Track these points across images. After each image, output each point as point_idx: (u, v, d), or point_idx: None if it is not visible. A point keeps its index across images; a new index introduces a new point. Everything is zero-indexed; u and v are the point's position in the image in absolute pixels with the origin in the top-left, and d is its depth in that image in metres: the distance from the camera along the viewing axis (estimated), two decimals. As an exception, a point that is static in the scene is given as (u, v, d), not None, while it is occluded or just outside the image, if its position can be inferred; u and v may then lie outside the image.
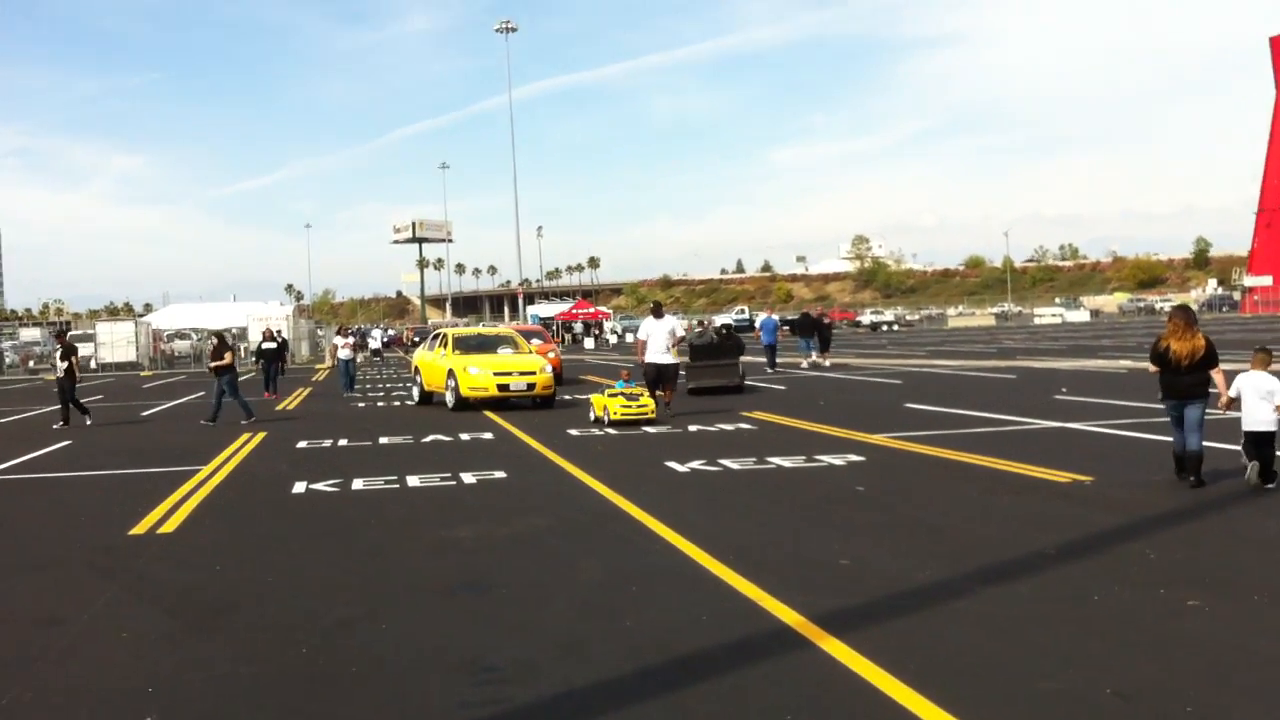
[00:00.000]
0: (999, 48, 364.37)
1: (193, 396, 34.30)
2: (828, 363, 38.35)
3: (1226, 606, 7.08)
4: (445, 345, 26.70)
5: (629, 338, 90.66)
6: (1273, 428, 11.46)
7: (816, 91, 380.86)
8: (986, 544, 9.18)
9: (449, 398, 24.98)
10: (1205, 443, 11.94)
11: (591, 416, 20.60)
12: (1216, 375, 11.93)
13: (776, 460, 14.51)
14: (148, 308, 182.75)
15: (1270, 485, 11.38)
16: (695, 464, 14.44)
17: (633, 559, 9.12)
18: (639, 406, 19.90)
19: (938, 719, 5.25)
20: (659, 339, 21.14)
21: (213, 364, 24.14)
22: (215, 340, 25.01)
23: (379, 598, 8.10)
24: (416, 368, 28.27)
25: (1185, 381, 11.91)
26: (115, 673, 6.53)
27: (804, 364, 38.06)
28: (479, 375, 24.34)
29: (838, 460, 14.41)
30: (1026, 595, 7.51)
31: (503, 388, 24.22)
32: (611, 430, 19.19)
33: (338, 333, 40.25)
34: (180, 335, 73.10)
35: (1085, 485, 11.92)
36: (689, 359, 27.43)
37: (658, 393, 20.87)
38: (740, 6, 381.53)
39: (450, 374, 24.98)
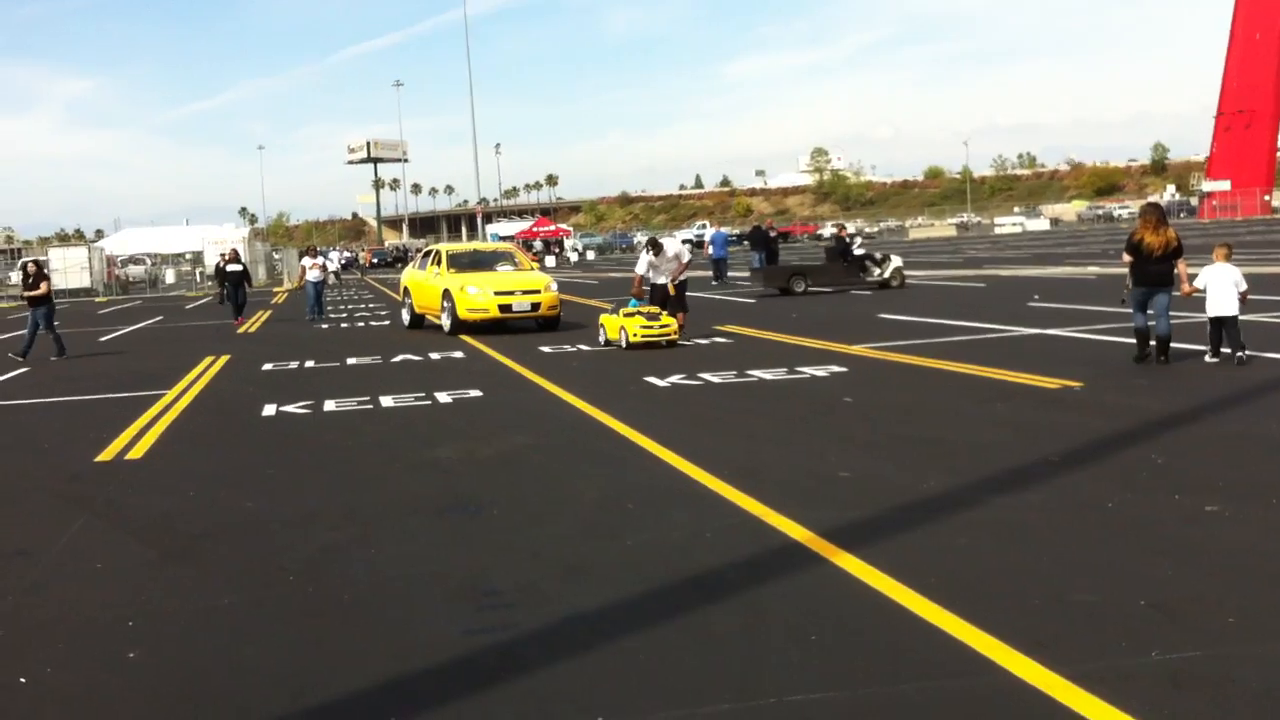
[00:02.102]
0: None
1: (150, 321, 33.67)
2: None
3: (1245, 511, 6.85)
4: (439, 263, 24.31)
5: (590, 255, 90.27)
6: (1236, 311, 12.91)
7: (770, 2, 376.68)
8: (987, 452, 8.94)
9: (445, 320, 23.04)
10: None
11: (602, 339, 18.68)
12: (1180, 265, 13.32)
13: (758, 373, 14.21)
14: (99, 234, 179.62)
15: (1241, 354, 12.79)
16: (675, 378, 14.12)
17: (625, 476, 8.82)
18: (661, 327, 17.87)
19: (975, 638, 4.97)
20: (667, 270, 19.17)
21: (26, 294, 21.83)
22: (32, 268, 22.56)
23: (365, 522, 7.76)
24: (406, 289, 25.97)
25: (1156, 270, 13.18)
26: (91, 605, 6.17)
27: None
28: (478, 295, 22.29)
29: (820, 372, 14.13)
30: (1039, 504, 7.25)
31: (505, 308, 22.22)
32: (584, 347, 18.83)
33: (305, 253, 37.56)
34: (135, 260, 72.03)
35: (1076, 391, 11.71)
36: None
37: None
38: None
39: (446, 295, 22.95)
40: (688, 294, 19.84)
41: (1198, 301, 13.60)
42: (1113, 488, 7.54)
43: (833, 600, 5.63)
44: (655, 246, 19.49)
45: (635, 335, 17.77)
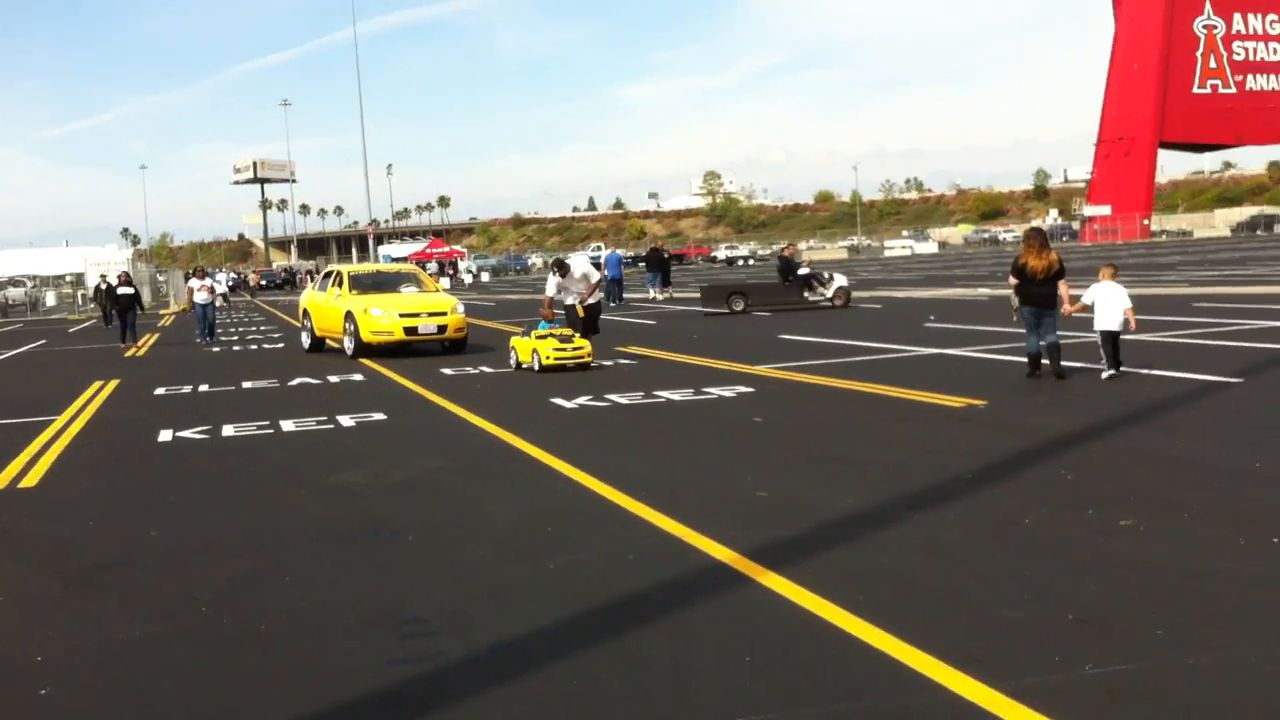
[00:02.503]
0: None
1: (33, 345, 32.65)
2: (662, 296, 40.42)
3: (1158, 525, 6.97)
4: (340, 284, 23.46)
5: (484, 277, 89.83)
6: (1119, 327, 13.55)
7: (664, 27, 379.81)
8: (900, 470, 9.00)
9: (347, 344, 22.08)
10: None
11: (513, 362, 18.20)
12: (1063, 287, 13.84)
13: (665, 394, 14.19)
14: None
15: (1120, 368, 13.56)
16: (582, 400, 14.04)
17: (540, 499, 8.71)
18: (574, 349, 17.48)
19: (910, 655, 4.97)
20: (576, 291, 18.98)
21: None
22: None
23: (275, 549, 7.55)
24: (305, 311, 25.12)
25: (1041, 291, 13.77)
26: (-7, 641, 5.91)
27: (659, 295, 40.40)
28: (382, 318, 21.43)
29: (727, 392, 14.16)
30: (957, 521, 7.31)
31: (410, 330, 21.39)
32: (486, 369, 18.66)
33: (192, 274, 35.14)
34: (14, 283, 69.94)
35: (980, 409, 11.87)
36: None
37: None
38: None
39: (349, 317, 21.99)
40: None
41: (1082, 321, 14.12)
42: (1027, 504, 7.63)
43: (763, 620, 5.60)
44: (561, 268, 19.24)
45: (548, 358, 17.34)
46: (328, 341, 24.00)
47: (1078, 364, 14.32)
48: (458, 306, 22.39)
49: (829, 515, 7.63)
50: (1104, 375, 13.55)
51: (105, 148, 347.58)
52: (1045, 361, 13.81)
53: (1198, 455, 9.19)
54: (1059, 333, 13.86)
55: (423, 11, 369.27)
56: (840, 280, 30.72)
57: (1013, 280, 14.14)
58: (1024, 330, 14.12)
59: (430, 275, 31.14)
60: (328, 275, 25.53)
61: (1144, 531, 6.86)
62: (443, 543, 7.47)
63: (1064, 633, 5.20)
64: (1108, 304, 13.58)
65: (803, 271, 30.88)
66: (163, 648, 5.66)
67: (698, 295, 38.63)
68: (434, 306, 22.10)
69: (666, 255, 44.56)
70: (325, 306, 23.78)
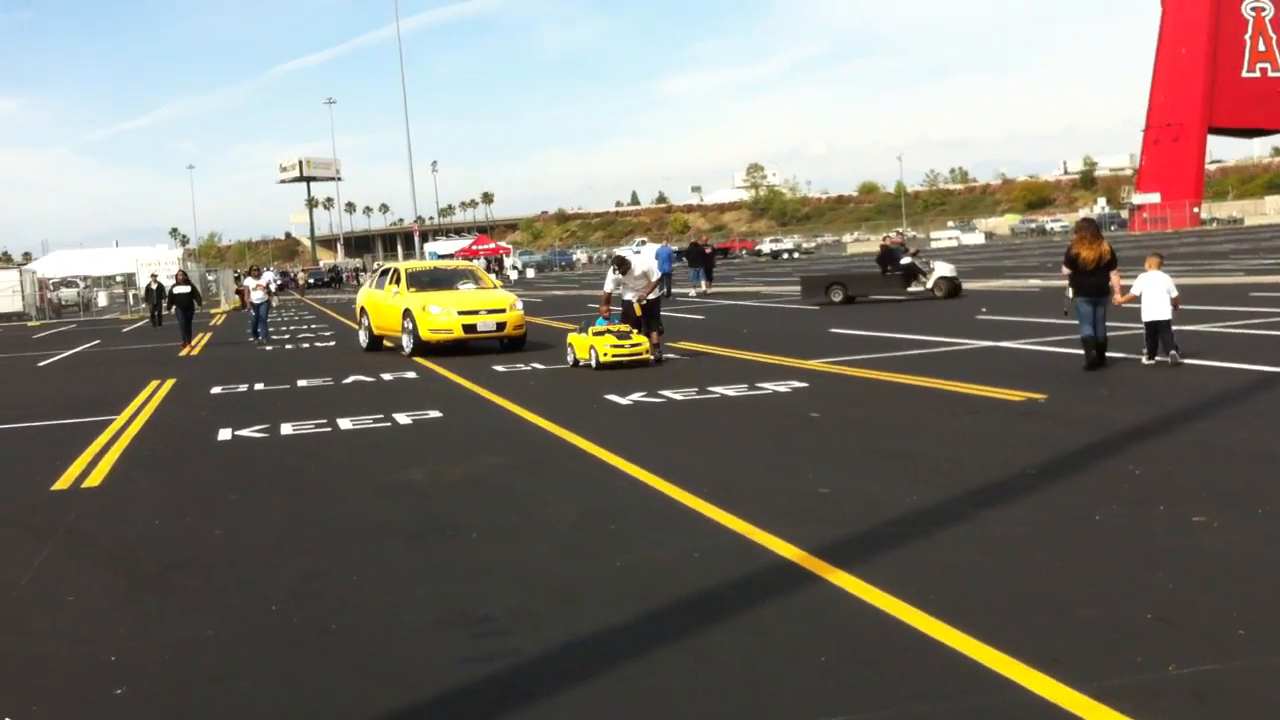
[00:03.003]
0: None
1: (88, 345, 33.03)
2: (703, 289, 40.31)
3: (1233, 521, 6.87)
4: (397, 282, 23.18)
5: (529, 273, 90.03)
6: (1169, 316, 13.80)
7: (703, 19, 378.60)
8: (963, 466, 8.91)
9: (405, 342, 21.90)
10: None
11: (570, 359, 18.01)
12: (1114, 277, 14.05)
13: (719, 390, 14.15)
14: (26, 256, 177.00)
15: (1174, 352, 13.77)
16: (636, 396, 14.02)
17: (601, 496, 8.70)
18: (632, 346, 17.31)
19: (988, 655, 4.91)
20: (634, 288, 18.33)
21: None
22: None
23: (341, 548, 7.59)
24: (362, 309, 24.87)
25: (1093, 281, 14.02)
26: (69, 640, 5.96)
27: (693, 292, 39.96)
28: (441, 315, 21.22)
29: (782, 387, 14.09)
30: (1025, 517, 7.23)
31: (469, 329, 21.18)
32: (539, 366, 18.69)
33: (248, 273, 35.27)
34: (67, 283, 70.82)
35: (1040, 403, 11.75)
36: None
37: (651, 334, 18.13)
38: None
39: (407, 315, 21.80)
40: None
41: (1130, 312, 14.17)
42: (1096, 500, 7.54)
43: (835, 620, 5.56)
44: (621, 264, 19.00)
45: (606, 355, 17.24)
46: (386, 340, 23.78)
47: (1121, 354, 14.18)
48: (516, 303, 22.14)
49: (894, 512, 7.57)
50: (1144, 362, 13.98)
51: (153, 148, 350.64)
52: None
53: (1268, 448, 9.06)
54: (1107, 323, 14.14)
55: (464, 7, 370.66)
56: (943, 269, 29.40)
57: (1066, 270, 14.39)
58: (1077, 321, 14.21)
59: (478, 272, 30.69)
60: (385, 273, 25.22)
61: (1217, 528, 6.75)
62: (506, 541, 7.48)
63: (1143, 632, 5.12)
64: (1154, 294, 13.86)
65: (905, 261, 29.67)
66: (235, 647, 5.69)
67: (741, 289, 38.65)
68: (493, 304, 21.90)
69: (709, 250, 44.54)
70: (383, 304, 23.56)
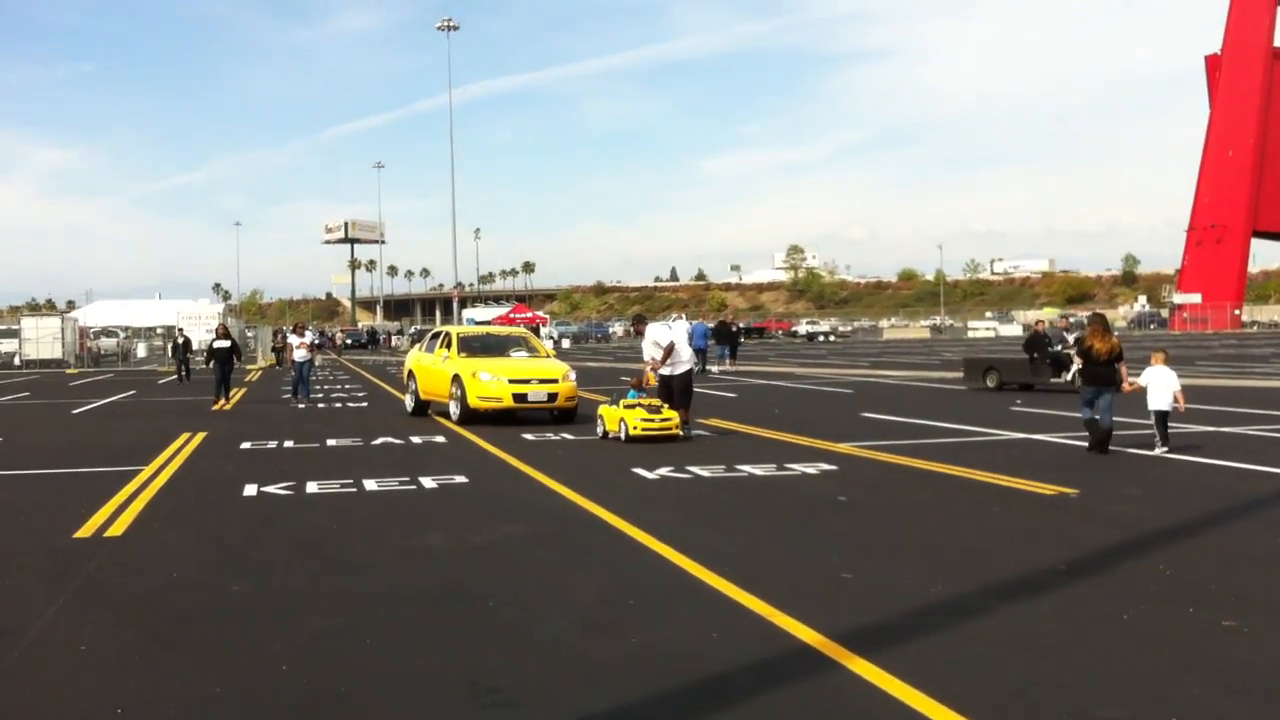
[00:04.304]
0: (930, 64, 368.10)
1: (122, 395, 33.26)
2: (725, 368, 40.60)
3: (1262, 626, 6.72)
4: (448, 346, 22.61)
5: (565, 343, 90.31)
6: (1169, 407, 15.04)
7: (751, 101, 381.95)
8: (991, 558, 8.78)
9: (453, 408, 21.26)
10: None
11: (600, 431, 18.00)
12: (1121, 367, 15.41)
13: (747, 468, 14.06)
14: (71, 305, 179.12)
15: (1166, 446, 14.91)
16: (663, 470, 13.95)
17: (622, 570, 8.61)
18: (662, 421, 17.23)
19: (1006, 752, 4.80)
20: (680, 349, 18.29)
21: None
22: None
23: (357, 609, 7.52)
24: (411, 372, 24.22)
25: (1103, 372, 15.31)
26: (77, 690, 5.91)
27: (714, 369, 40.06)
28: (491, 383, 20.58)
29: (810, 469, 13.99)
30: (1051, 613, 7.10)
31: (519, 398, 20.51)
32: (568, 435, 18.65)
33: (293, 330, 33.92)
34: (107, 333, 71.52)
35: (1071, 498, 11.60)
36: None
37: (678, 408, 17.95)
38: (679, 14, 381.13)
39: (456, 380, 21.19)
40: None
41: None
42: (1125, 599, 7.39)
43: (856, 710, 5.44)
44: (637, 321, 19.10)
45: (636, 428, 17.13)
46: (434, 405, 23.30)
47: (1174, 454, 14.00)
48: (569, 374, 21.44)
49: (918, 601, 7.45)
50: (1157, 451, 14.91)
51: (202, 203, 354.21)
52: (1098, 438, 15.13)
53: (1302, 555, 8.88)
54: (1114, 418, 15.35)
55: (515, 80, 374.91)
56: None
57: (1078, 361, 16.46)
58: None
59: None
60: (435, 336, 24.75)
61: (1248, 633, 6.60)
62: (523, 611, 7.39)
63: (1169, 737, 4.99)
64: (1159, 386, 15.10)
65: (1056, 349, 27.94)
66: (243, 706, 5.62)
67: (776, 369, 38.57)
68: (545, 373, 21.24)
69: (735, 329, 45.28)
70: (432, 369, 22.97)
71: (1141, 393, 15.39)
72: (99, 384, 40.58)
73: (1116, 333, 29.13)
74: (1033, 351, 28.53)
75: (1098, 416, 15.18)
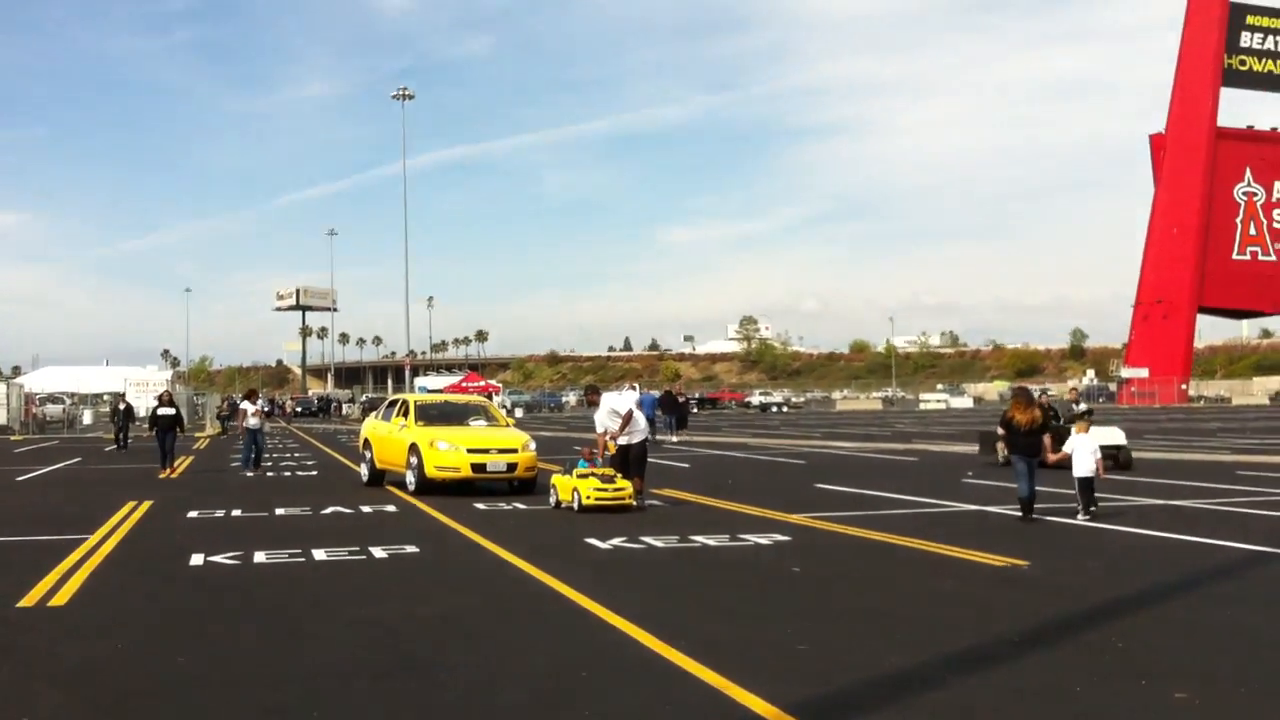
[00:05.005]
0: (882, 138, 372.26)
1: (69, 462, 32.80)
2: (675, 439, 40.48)
3: (1214, 699, 6.75)
4: (405, 414, 22.08)
5: (518, 413, 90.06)
6: (1093, 473, 15.65)
7: (706, 174, 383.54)
8: (944, 630, 8.78)
9: (409, 478, 20.84)
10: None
11: (553, 501, 17.81)
12: (1045, 439, 15.94)
13: (701, 539, 14.02)
14: (16, 370, 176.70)
15: (1094, 509, 15.58)
16: (616, 540, 13.88)
17: (575, 641, 8.54)
18: (615, 490, 17.07)
19: (962, 826, 4.78)
20: (636, 418, 18.20)
21: None
22: None
23: (306, 683, 7.41)
24: (366, 440, 23.73)
25: (1024, 442, 15.84)
26: (15, 766, 5.78)
27: (669, 439, 40.14)
28: (449, 453, 20.12)
29: (763, 540, 13.98)
30: (1005, 686, 7.10)
31: (478, 468, 20.07)
32: (520, 505, 18.55)
33: (244, 397, 32.65)
34: (53, 399, 70.55)
35: (1023, 570, 11.65)
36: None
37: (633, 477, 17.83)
38: (634, 87, 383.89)
39: (413, 449, 20.72)
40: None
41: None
42: (1077, 671, 7.41)
43: (807, 782, 5.41)
44: (590, 392, 19.13)
45: (589, 498, 16.97)
46: (389, 475, 22.78)
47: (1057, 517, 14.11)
48: (529, 444, 20.99)
49: (870, 672, 7.44)
50: (1079, 518, 15.52)
51: (152, 269, 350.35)
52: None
53: (1252, 626, 8.96)
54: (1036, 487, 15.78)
55: (470, 149, 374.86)
56: (1112, 436, 24.86)
57: (1000, 431, 16.69)
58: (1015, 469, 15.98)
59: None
60: (392, 404, 24.24)
61: (1199, 705, 6.63)
62: (474, 684, 7.30)
63: (1123, 811, 4.99)
64: (1083, 453, 15.71)
65: (1058, 424, 25.80)
66: (188, 781, 5.51)
67: (728, 440, 38.61)
68: (504, 443, 20.75)
69: (681, 400, 45.24)
70: (388, 438, 22.39)
71: (1068, 461, 15.93)
72: (44, 451, 40.01)
73: (1060, 405, 29.44)
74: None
75: (1017, 484, 15.76)
